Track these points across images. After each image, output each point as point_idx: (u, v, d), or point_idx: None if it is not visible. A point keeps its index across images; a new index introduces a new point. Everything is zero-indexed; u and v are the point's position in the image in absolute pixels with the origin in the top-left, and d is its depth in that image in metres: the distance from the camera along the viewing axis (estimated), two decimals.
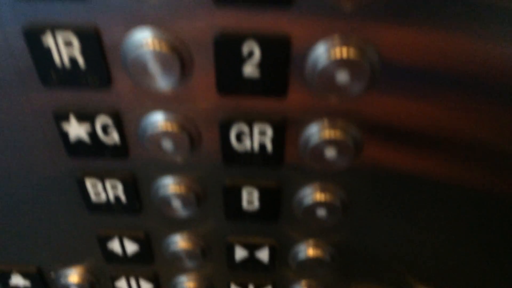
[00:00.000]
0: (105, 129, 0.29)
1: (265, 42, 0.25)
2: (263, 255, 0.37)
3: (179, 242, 0.38)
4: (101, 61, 0.26)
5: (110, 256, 0.39)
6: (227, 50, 0.25)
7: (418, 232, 0.35)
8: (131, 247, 0.38)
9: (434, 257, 0.37)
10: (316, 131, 0.29)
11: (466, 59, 0.25)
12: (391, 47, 0.25)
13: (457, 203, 0.32)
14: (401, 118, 0.28)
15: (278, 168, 0.31)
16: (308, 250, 0.37)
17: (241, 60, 0.25)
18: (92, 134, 0.29)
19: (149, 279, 0.42)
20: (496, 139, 0.28)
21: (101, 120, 0.29)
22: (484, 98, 0.27)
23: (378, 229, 0.35)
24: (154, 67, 0.25)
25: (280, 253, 0.38)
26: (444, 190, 0.32)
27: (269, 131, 0.29)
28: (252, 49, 0.24)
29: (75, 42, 0.25)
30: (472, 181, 0.31)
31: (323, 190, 0.32)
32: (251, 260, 0.38)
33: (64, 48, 0.25)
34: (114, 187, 0.33)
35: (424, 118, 0.28)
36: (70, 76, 0.27)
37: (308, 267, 0.38)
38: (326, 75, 0.25)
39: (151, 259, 0.39)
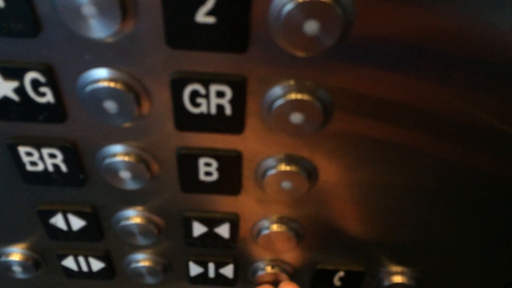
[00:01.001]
0: (35, 86, 0.25)
1: None
2: (223, 230, 0.34)
3: (131, 217, 0.34)
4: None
5: (54, 232, 0.35)
6: None
7: (386, 205, 0.32)
8: (77, 223, 0.35)
9: (405, 234, 0.35)
10: (282, 93, 0.25)
11: (434, 32, 0.23)
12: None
13: (429, 174, 0.30)
14: (370, 86, 0.25)
15: (238, 134, 0.28)
16: (272, 226, 0.34)
17: (193, 3, 0.21)
18: (21, 91, 0.25)
19: (99, 257, 0.38)
20: (460, 110, 0.26)
21: (31, 75, 0.25)
22: (451, 70, 0.24)
23: (345, 203, 0.32)
24: (89, 9, 0.21)
25: (242, 229, 0.35)
26: (415, 158, 0.29)
27: (228, 92, 0.25)
28: None
29: None
30: (442, 150, 0.29)
31: (288, 161, 0.29)
32: (210, 235, 0.35)
33: None
34: (52, 156, 0.29)
35: (393, 87, 0.25)
36: None
37: (271, 243, 0.35)
38: (292, 22, 0.21)
39: (100, 236, 0.36)
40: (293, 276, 0.39)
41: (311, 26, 0.21)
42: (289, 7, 0.21)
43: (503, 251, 0.35)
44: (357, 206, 0.33)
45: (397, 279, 0.38)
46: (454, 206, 0.32)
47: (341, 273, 0.38)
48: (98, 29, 0.22)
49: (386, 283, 0.38)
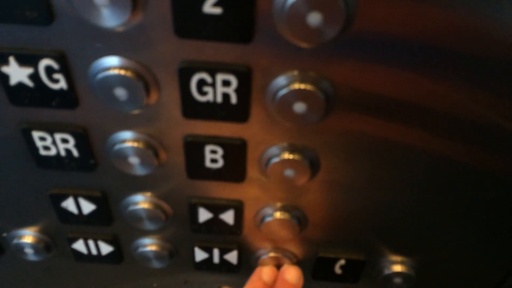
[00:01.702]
0: (49, 73, 0.26)
1: None
2: (228, 217, 0.35)
3: (139, 202, 0.35)
4: None
5: (65, 216, 0.37)
6: None
7: (387, 196, 0.33)
8: (87, 207, 0.36)
9: (405, 225, 0.35)
10: (286, 83, 0.26)
11: (437, 28, 0.23)
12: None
13: (429, 168, 0.31)
14: (372, 81, 0.26)
15: (243, 123, 0.29)
16: (275, 213, 0.35)
17: None
18: (35, 77, 0.26)
19: (108, 241, 0.39)
20: (462, 106, 0.27)
21: (45, 62, 0.26)
22: (454, 66, 0.25)
23: (347, 193, 0.33)
24: None
25: (246, 216, 0.36)
26: (413, 154, 0.30)
27: (234, 81, 0.26)
28: None
29: None
30: (443, 145, 0.29)
31: (291, 149, 0.30)
32: (216, 222, 0.36)
33: None
34: (64, 141, 0.31)
35: (395, 82, 0.26)
36: (5, 9, 0.23)
37: (274, 230, 0.36)
38: (296, 14, 0.22)
39: (109, 220, 0.37)
40: (295, 264, 0.40)
41: (314, 18, 0.22)
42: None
43: (502, 242, 0.36)
44: (358, 196, 0.33)
45: (397, 268, 0.39)
46: (453, 199, 0.33)
47: (342, 261, 0.39)
48: (110, 18, 0.23)
49: (386, 271, 0.39)
